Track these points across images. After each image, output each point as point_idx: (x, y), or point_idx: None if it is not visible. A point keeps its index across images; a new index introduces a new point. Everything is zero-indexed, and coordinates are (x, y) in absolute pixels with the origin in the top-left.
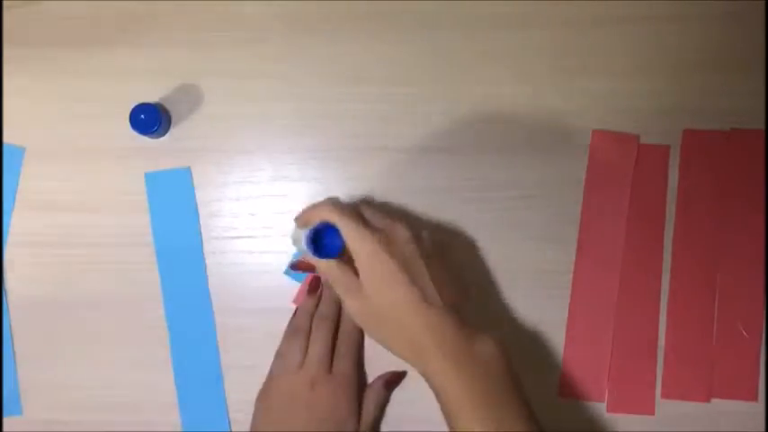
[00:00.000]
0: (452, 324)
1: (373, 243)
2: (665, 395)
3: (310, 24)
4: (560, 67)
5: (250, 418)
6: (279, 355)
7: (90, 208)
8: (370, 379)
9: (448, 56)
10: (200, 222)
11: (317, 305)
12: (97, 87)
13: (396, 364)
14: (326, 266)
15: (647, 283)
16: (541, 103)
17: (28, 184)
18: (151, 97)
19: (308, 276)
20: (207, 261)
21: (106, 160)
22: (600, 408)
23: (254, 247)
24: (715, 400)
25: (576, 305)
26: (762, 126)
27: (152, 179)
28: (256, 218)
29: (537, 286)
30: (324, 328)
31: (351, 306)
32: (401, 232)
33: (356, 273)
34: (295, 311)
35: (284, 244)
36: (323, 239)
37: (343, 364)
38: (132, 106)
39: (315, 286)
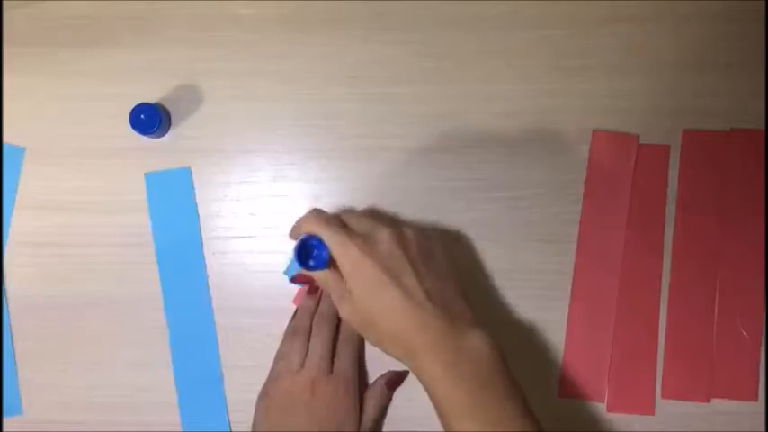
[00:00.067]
0: (441, 323)
1: (355, 249)
2: (665, 395)
3: (310, 24)
4: (560, 67)
5: (250, 418)
6: (279, 355)
7: (90, 208)
8: (370, 379)
9: (448, 56)
10: (200, 222)
11: (317, 305)
12: (97, 87)
13: (396, 364)
14: (321, 276)
15: (647, 284)
16: (541, 103)
17: (28, 184)
18: (151, 97)
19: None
20: (207, 261)
21: (106, 160)
22: (600, 408)
23: (254, 247)
24: (715, 400)
25: (576, 305)
26: (762, 126)
27: (152, 179)
28: (256, 218)
29: (537, 286)
30: (324, 328)
31: (344, 312)
32: (383, 234)
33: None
34: (295, 312)
35: (284, 244)
36: (311, 251)
37: (344, 364)
38: (132, 106)
39: (315, 286)
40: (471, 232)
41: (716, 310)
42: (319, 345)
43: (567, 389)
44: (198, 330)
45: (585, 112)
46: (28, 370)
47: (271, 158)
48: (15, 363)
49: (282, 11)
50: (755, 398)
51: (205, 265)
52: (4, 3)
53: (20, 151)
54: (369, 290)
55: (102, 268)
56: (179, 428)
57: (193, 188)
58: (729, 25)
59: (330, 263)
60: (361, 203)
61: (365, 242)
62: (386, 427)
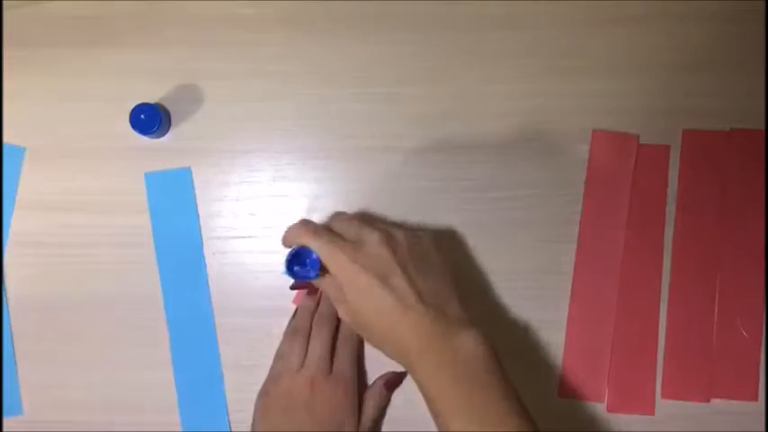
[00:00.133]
0: (433, 324)
1: (344, 258)
2: (665, 395)
3: (310, 24)
4: (560, 67)
5: (250, 417)
6: (279, 355)
7: (90, 208)
8: (370, 379)
9: (449, 56)
10: (201, 222)
11: (317, 305)
12: (97, 87)
13: (396, 365)
14: (319, 281)
15: (647, 284)
16: (541, 103)
17: (28, 184)
18: (151, 97)
19: None
20: (207, 261)
21: (106, 160)
22: (600, 408)
23: (254, 247)
24: (715, 401)
25: (576, 305)
26: (762, 126)
27: (152, 179)
28: (256, 218)
29: (537, 286)
30: (324, 328)
31: (344, 315)
32: (372, 238)
33: None
34: (295, 312)
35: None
36: (304, 261)
37: (343, 364)
38: (132, 106)
39: (315, 287)
40: (471, 232)
41: (716, 310)
42: (319, 345)
43: (567, 389)
44: (198, 330)
45: (585, 112)
46: (28, 370)
47: (271, 158)
48: (15, 363)
49: (282, 11)
50: (755, 398)
51: (205, 265)
52: (4, 3)
53: (20, 151)
54: (360, 295)
55: (102, 268)
56: (179, 428)
57: (193, 188)
58: (729, 26)
59: (324, 270)
60: (360, 203)
61: (354, 249)
62: (385, 427)
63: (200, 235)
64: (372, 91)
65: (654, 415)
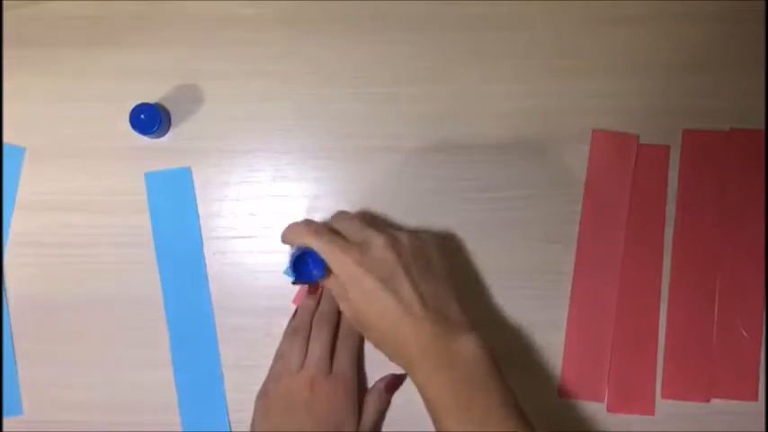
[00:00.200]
0: (434, 327)
1: (350, 261)
2: (665, 395)
3: (310, 24)
4: (560, 67)
5: (250, 417)
6: (279, 355)
7: (90, 208)
8: (369, 380)
9: (448, 56)
10: (200, 222)
11: (317, 305)
12: (97, 87)
13: (395, 367)
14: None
15: (647, 284)
16: (541, 103)
17: (28, 184)
18: (151, 97)
19: None
20: (207, 261)
21: (106, 160)
22: (600, 408)
23: (254, 247)
24: (715, 400)
25: (576, 305)
26: (762, 126)
27: (152, 179)
28: (256, 218)
29: (537, 286)
30: (324, 328)
31: (345, 311)
32: (377, 240)
33: None
34: (295, 312)
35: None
36: (307, 262)
37: (343, 364)
38: (132, 106)
39: (315, 286)
40: (471, 232)
41: (716, 310)
42: (319, 345)
43: (567, 389)
44: (198, 330)
45: (585, 112)
46: (28, 370)
47: (271, 158)
48: (15, 363)
49: (282, 11)
50: (755, 398)
51: (205, 265)
52: (4, 3)
53: (20, 151)
54: (363, 297)
55: (102, 268)
56: (179, 428)
57: (193, 188)
58: (727, 26)
59: (326, 274)
60: (360, 203)
61: (359, 251)
62: (384, 427)
63: (200, 235)
64: (371, 91)
65: (654, 415)
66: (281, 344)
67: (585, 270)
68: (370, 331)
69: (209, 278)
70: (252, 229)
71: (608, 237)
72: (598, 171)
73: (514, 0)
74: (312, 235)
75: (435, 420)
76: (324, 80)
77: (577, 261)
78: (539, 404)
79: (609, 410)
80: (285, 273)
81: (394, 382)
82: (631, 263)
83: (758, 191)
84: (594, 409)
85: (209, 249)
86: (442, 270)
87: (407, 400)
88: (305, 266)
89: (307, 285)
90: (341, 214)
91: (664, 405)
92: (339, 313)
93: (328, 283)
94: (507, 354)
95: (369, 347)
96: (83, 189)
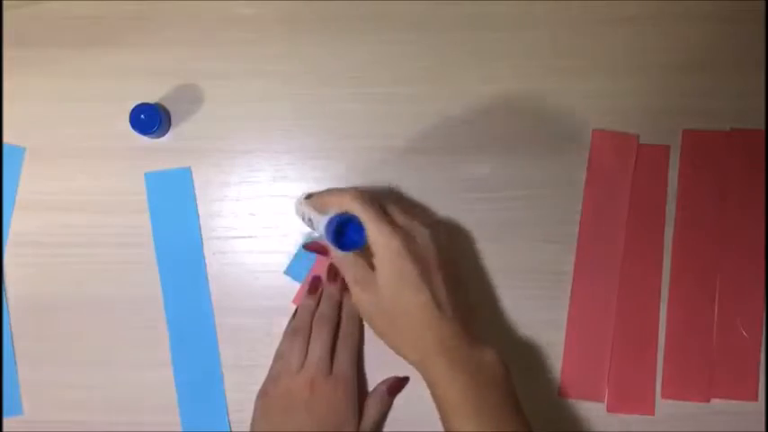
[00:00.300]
0: (458, 333)
1: (396, 243)
2: (665, 395)
3: (310, 24)
4: (560, 67)
5: (250, 417)
6: (279, 355)
7: (90, 208)
8: (369, 380)
9: (448, 56)
10: (201, 222)
11: (317, 305)
12: (97, 87)
13: (395, 367)
14: (341, 255)
15: (647, 283)
16: (541, 103)
17: (28, 184)
18: (151, 97)
19: (307, 276)
20: (207, 261)
21: (106, 160)
22: (600, 408)
23: (254, 247)
24: (715, 400)
25: (576, 305)
26: (762, 126)
27: (152, 179)
28: (256, 218)
29: (537, 286)
30: (324, 328)
31: (360, 299)
32: (424, 233)
33: (371, 265)
34: (295, 312)
35: (284, 244)
36: (343, 230)
37: (343, 364)
38: (132, 106)
39: (315, 286)
40: (471, 232)
41: (716, 310)
42: (319, 345)
43: (567, 389)
44: (198, 330)
45: (584, 112)
46: (28, 370)
47: (271, 158)
48: (15, 363)
49: (282, 11)
50: (755, 398)
51: (205, 265)
52: (4, 3)
53: (20, 151)
54: (400, 285)
55: (102, 268)
56: (179, 428)
57: (193, 188)
58: (726, 25)
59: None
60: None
61: (407, 237)
62: (385, 427)
63: (200, 235)
64: (372, 91)
65: (654, 415)
66: (281, 344)
67: (585, 270)
68: (387, 322)
69: (210, 278)
70: (252, 229)
71: (608, 237)
72: (598, 171)
73: (514, 0)
74: (360, 203)
75: (444, 419)
76: (324, 80)
77: (577, 261)
78: (539, 404)
79: (609, 410)
80: (285, 273)
81: (396, 385)
82: (631, 263)
83: (758, 191)
84: (594, 409)
85: (209, 249)
86: (458, 278)
87: (408, 399)
88: (340, 234)
89: (306, 284)
90: (387, 197)
91: (664, 405)
92: (339, 313)
93: (347, 265)
94: (507, 353)
95: (369, 348)
96: (83, 189)
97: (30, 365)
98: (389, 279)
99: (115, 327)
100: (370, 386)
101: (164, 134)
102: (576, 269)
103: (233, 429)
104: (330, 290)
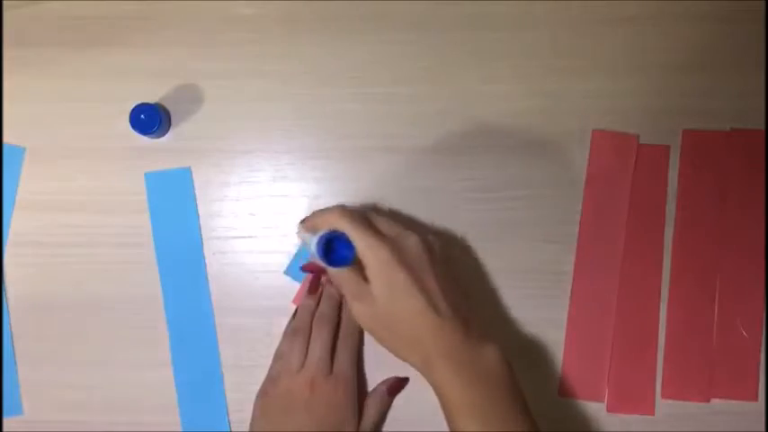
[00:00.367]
0: (459, 333)
1: (385, 253)
2: (665, 395)
3: (310, 24)
4: (560, 67)
5: (250, 417)
6: (278, 355)
7: (90, 208)
8: (369, 380)
9: (448, 56)
10: (201, 222)
11: (317, 305)
12: (97, 87)
13: (395, 367)
14: (336, 271)
15: (647, 283)
16: (541, 103)
17: (28, 184)
18: (151, 97)
19: (308, 276)
20: (207, 261)
21: (106, 160)
22: (600, 408)
23: (254, 247)
24: (715, 401)
25: (576, 305)
26: (762, 126)
27: (152, 179)
28: (256, 218)
29: (537, 286)
30: (324, 328)
31: (358, 311)
32: (412, 241)
33: (365, 278)
34: (295, 312)
35: (284, 244)
36: (334, 247)
37: (343, 364)
38: (132, 106)
39: (315, 286)
40: (471, 232)
41: (716, 310)
42: (319, 345)
43: (567, 389)
44: (198, 330)
45: (584, 112)
46: (28, 370)
47: (271, 158)
48: (15, 363)
49: (282, 11)
50: (755, 398)
51: (205, 265)
52: (4, 3)
53: (20, 151)
54: (394, 294)
55: (102, 268)
56: (179, 428)
57: (193, 188)
58: (724, 26)
59: (352, 262)
60: (360, 204)
61: (394, 244)
62: (385, 427)
63: (200, 235)
64: (372, 91)
65: (654, 415)
66: (281, 344)
67: (585, 270)
68: (387, 331)
69: (210, 278)
70: (252, 229)
71: (608, 237)
72: (598, 171)
73: (514, 0)
74: (347, 219)
75: (450, 419)
76: (323, 80)
77: (577, 261)
78: (538, 404)
79: (609, 410)
80: (285, 273)
81: (396, 386)
82: (631, 263)
83: (758, 191)
84: (594, 409)
85: (209, 249)
86: (461, 287)
87: (408, 399)
88: (330, 251)
89: (306, 284)
90: (373, 209)
91: (664, 405)
92: (339, 313)
93: (342, 279)
94: (507, 353)
95: (369, 348)
96: (83, 189)
97: (30, 365)
98: (383, 290)
99: (115, 327)
100: (370, 386)
101: (164, 134)
102: (576, 269)
103: (233, 429)
104: (330, 290)
